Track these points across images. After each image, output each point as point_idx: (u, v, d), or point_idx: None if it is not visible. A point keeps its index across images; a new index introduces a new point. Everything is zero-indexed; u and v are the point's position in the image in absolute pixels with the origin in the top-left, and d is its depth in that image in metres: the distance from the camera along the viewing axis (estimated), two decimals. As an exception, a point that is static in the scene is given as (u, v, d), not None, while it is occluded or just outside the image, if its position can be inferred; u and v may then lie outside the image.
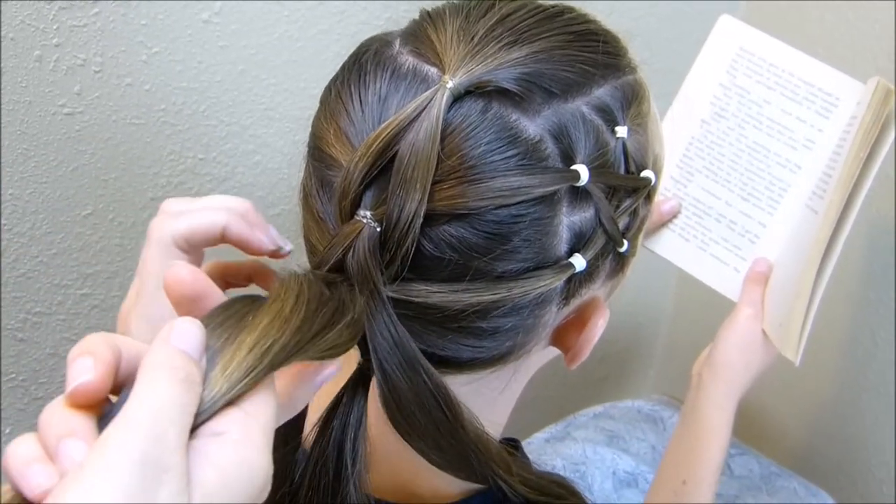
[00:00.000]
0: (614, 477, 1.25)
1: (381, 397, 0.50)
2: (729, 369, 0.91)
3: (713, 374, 0.91)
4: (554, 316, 0.54)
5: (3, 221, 0.99)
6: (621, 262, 0.57)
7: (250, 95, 1.07)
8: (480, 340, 0.51)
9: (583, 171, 0.49)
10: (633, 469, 1.26)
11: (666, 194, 1.01)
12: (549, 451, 1.26)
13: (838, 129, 0.92)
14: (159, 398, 0.34)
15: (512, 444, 0.70)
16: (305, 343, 0.39)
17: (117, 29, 0.96)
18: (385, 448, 0.60)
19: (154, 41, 0.98)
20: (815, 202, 0.91)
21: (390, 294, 0.48)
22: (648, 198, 0.57)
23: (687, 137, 0.99)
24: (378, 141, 0.46)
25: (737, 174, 0.97)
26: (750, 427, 1.42)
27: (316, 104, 0.56)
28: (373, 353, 0.48)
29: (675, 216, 1.00)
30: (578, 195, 0.50)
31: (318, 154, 0.51)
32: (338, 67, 0.56)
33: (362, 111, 0.49)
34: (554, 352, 0.61)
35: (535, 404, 1.24)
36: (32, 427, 1.09)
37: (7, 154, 0.96)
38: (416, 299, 0.48)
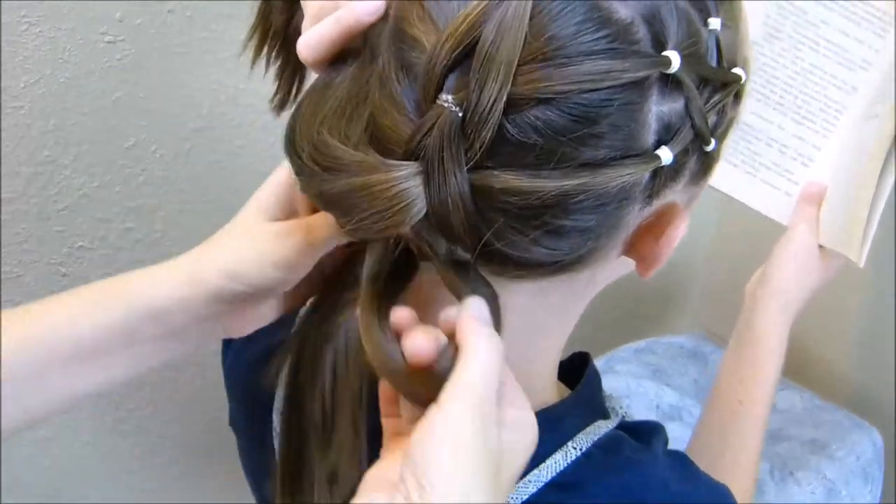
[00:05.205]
0: (658, 410, 1.25)
1: None
2: (784, 285, 0.90)
3: (768, 290, 0.90)
4: (635, 216, 0.52)
5: (45, 153, 0.99)
6: (706, 164, 0.55)
7: (292, 23, 1.06)
8: (560, 240, 0.50)
9: (674, 57, 0.47)
10: (678, 402, 1.26)
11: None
12: (592, 385, 1.26)
13: (894, 47, 0.91)
14: (490, 363, 0.45)
15: (582, 358, 0.69)
16: None
17: (159, -46, 0.95)
18: None
19: (196, -33, 0.97)
20: (875, 108, 0.90)
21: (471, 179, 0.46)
22: (737, 98, 0.56)
23: (737, 60, 0.98)
24: (465, 20, 0.45)
25: (790, 97, 0.95)
26: (793, 364, 1.41)
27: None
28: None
29: None
30: (669, 83, 0.48)
31: (399, 34, 0.49)
32: None
33: None
34: (627, 266, 0.59)
35: (571, 346, 1.24)
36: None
37: (50, 83, 0.95)
38: (496, 185, 0.46)
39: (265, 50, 0.70)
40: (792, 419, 1.31)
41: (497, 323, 0.50)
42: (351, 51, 0.52)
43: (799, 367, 1.41)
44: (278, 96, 0.70)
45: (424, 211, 0.46)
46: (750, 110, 0.97)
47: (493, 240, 0.49)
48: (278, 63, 0.69)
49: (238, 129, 1.08)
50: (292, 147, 0.50)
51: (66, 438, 1.24)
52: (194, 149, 1.07)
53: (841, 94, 0.93)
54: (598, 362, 1.36)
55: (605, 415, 0.66)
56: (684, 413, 1.26)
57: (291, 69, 0.69)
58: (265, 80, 1.06)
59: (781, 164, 0.96)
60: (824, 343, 1.43)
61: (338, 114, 0.49)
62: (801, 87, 0.95)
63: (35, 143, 0.98)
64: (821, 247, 0.91)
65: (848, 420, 1.29)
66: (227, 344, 0.77)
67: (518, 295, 0.56)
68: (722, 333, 0.94)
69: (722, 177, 0.99)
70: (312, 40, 0.51)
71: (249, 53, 0.69)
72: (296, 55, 0.55)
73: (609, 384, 1.27)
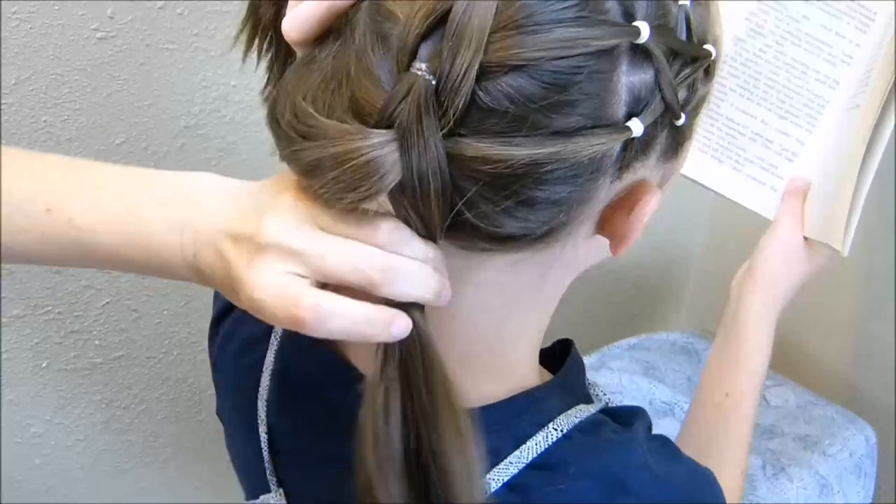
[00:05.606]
0: (651, 406, 1.25)
1: None
2: (770, 277, 0.90)
3: (754, 283, 0.90)
4: (606, 190, 0.53)
5: (36, 150, 0.99)
6: (676, 140, 0.56)
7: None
8: (531, 211, 0.50)
9: (643, 27, 0.48)
10: (670, 399, 1.26)
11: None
12: (584, 381, 1.27)
13: (875, 42, 0.92)
14: None
15: (565, 345, 0.69)
16: None
17: (149, -49, 0.96)
18: None
19: (186, -36, 0.98)
20: (856, 99, 0.91)
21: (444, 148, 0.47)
22: (708, 74, 0.56)
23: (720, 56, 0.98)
24: None
25: (774, 92, 0.96)
26: (786, 360, 1.41)
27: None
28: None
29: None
30: (638, 54, 0.49)
31: (376, 8, 0.50)
32: None
33: None
34: (601, 250, 0.60)
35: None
36: (69, 359, 1.09)
37: (40, 79, 0.96)
38: (468, 153, 0.47)
39: (255, 43, 0.71)
40: (784, 415, 1.31)
41: None
42: (333, 29, 0.52)
43: (792, 364, 1.41)
44: (269, 88, 0.71)
45: (399, 178, 0.46)
46: (734, 106, 0.98)
47: (464, 210, 0.49)
48: (269, 56, 0.70)
49: (230, 126, 1.09)
50: (272, 113, 0.51)
51: (58, 436, 1.24)
52: (186, 146, 1.08)
53: (824, 89, 0.94)
54: (591, 358, 1.36)
55: (587, 400, 0.66)
56: (677, 409, 1.26)
57: (281, 61, 0.70)
58: (257, 77, 1.07)
59: (766, 159, 0.97)
60: (818, 339, 1.43)
61: (321, 87, 0.50)
62: (784, 83, 0.96)
63: (26, 139, 0.98)
64: (806, 239, 0.92)
65: (841, 416, 1.29)
66: (215, 330, 0.78)
67: (488, 270, 0.57)
68: (715, 330, 0.95)
69: (708, 172, 0.99)
70: (297, 20, 0.52)
71: (241, 48, 0.70)
72: (285, 48, 0.56)
73: (602, 381, 1.27)
